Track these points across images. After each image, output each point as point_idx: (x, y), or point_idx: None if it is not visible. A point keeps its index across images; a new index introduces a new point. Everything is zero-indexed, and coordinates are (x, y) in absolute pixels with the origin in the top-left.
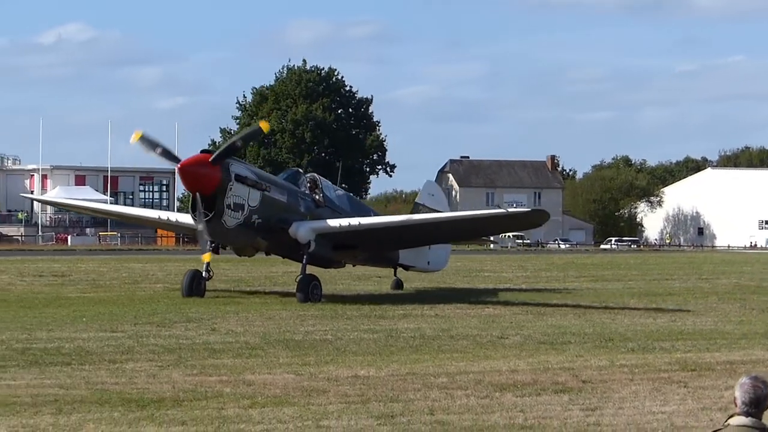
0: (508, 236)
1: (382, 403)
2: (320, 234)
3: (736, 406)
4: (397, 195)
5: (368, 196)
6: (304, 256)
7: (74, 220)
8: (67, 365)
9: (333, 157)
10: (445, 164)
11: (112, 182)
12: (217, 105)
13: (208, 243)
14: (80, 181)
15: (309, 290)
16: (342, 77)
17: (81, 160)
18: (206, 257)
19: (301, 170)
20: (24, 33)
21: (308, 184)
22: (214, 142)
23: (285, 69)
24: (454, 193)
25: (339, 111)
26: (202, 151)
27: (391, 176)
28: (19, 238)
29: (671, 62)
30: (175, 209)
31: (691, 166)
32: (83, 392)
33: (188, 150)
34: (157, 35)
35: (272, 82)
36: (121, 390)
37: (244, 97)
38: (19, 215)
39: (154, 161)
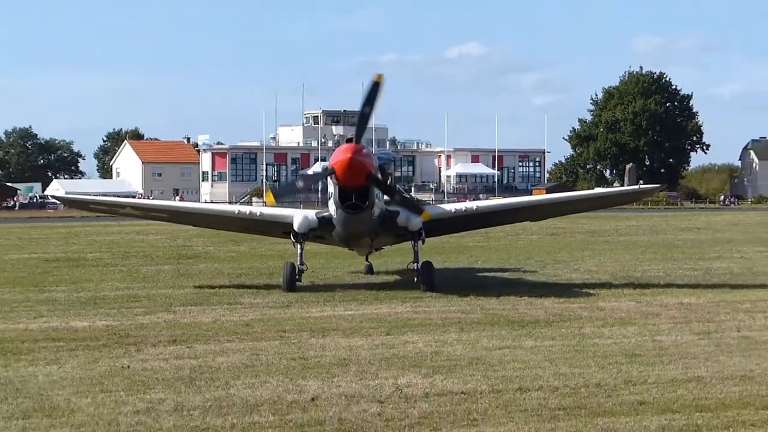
0: None
1: (700, 323)
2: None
3: None
4: (711, 167)
5: (689, 168)
6: (415, 244)
7: (470, 188)
8: (466, 296)
9: (663, 137)
10: (748, 143)
11: (498, 160)
12: (577, 102)
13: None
14: (475, 159)
15: (433, 278)
16: (669, 79)
17: (476, 143)
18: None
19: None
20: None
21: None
22: (573, 129)
23: (626, 73)
24: (755, 165)
25: (667, 104)
26: (347, 140)
27: (706, 153)
28: (430, 203)
29: None
30: (545, 181)
31: None
32: (479, 316)
33: (554, 138)
34: (530, 45)
35: (616, 84)
36: (506, 314)
37: (596, 94)
38: (431, 185)
39: (531, 143)
